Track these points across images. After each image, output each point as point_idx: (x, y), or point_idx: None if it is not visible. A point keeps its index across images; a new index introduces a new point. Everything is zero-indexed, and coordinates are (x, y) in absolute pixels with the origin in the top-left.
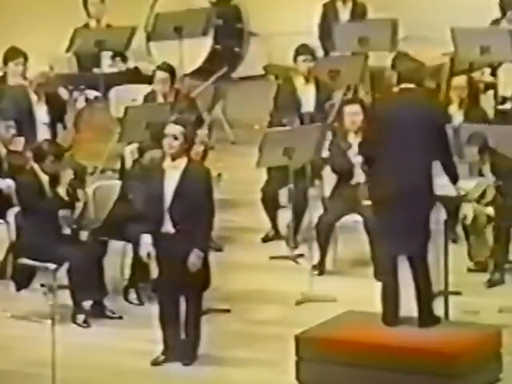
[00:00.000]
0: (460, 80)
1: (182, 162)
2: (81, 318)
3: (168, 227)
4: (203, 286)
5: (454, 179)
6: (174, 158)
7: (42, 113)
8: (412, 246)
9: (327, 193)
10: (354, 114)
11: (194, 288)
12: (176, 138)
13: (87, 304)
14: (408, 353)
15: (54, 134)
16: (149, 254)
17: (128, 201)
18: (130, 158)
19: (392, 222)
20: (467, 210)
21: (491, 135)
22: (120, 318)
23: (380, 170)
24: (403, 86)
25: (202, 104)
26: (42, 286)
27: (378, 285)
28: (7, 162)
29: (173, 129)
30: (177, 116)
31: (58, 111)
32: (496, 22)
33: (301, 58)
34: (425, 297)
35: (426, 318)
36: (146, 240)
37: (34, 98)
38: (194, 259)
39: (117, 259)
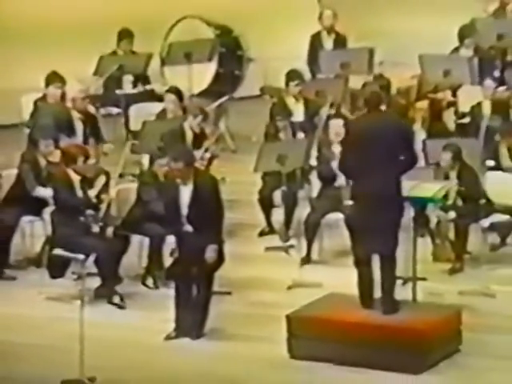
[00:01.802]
0: (423, 103)
1: (190, 175)
2: (116, 299)
3: (188, 227)
4: (215, 269)
5: None
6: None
7: (79, 128)
8: (384, 247)
9: (314, 194)
10: (337, 128)
11: (207, 275)
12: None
13: (119, 288)
14: (382, 330)
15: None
16: (173, 251)
17: (144, 202)
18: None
19: (368, 225)
20: (431, 216)
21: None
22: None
23: (358, 180)
24: (378, 107)
25: (208, 119)
26: (73, 273)
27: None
28: (46, 171)
29: (176, 165)
30: (176, 155)
31: (91, 126)
32: (456, 49)
33: (291, 83)
34: (389, 288)
35: (389, 305)
36: (170, 240)
37: (74, 114)
38: (210, 253)
39: (135, 251)
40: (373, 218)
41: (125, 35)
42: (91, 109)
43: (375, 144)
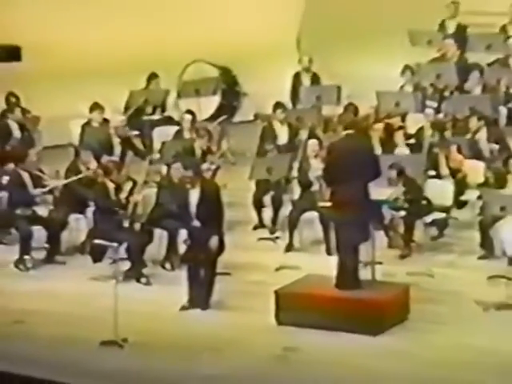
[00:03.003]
0: (379, 126)
1: (197, 182)
2: (142, 279)
3: (196, 223)
4: (218, 254)
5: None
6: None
7: (117, 147)
8: (360, 238)
9: (295, 197)
10: (313, 146)
11: (211, 260)
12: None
13: (144, 270)
14: (349, 302)
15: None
16: (185, 241)
17: (162, 203)
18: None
19: (346, 221)
20: (386, 215)
21: (404, 160)
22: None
23: (336, 187)
24: (347, 131)
25: (213, 139)
26: (109, 258)
27: (328, 258)
28: (86, 178)
29: (186, 174)
30: (187, 165)
31: (129, 146)
32: (402, 86)
33: (277, 111)
34: (354, 269)
35: (354, 282)
36: (183, 233)
37: (115, 139)
38: (213, 242)
39: (156, 241)
40: (349, 215)
41: (153, 77)
42: (128, 132)
43: (350, 161)
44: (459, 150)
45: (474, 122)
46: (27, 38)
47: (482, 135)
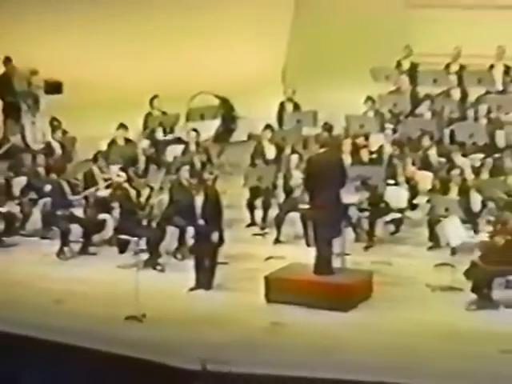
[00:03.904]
0: (348, 144)
1: (201, 188)
2: (158, 266)
3: (201, 221)
4: (218, 247)
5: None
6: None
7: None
8: (334, 234)
9: (281, 200)
10: (295, 160)
11: (213, 251)
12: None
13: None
14: (324, 284)
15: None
16: (192, 236)
17: (173, 205)
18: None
19: (323, 221)
20: (353, 215)
21: (368, 171)
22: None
23: (315, 194)
24: (322, 148)
25: (214, 154)
26: (132, 250)
27: (308, 249)
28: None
29: (191, 181)
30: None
31: (152, 160)
32: (365, 112)
33: (266, 132)
34: (328, 259)
35: (328, 269)
36: (190, 230)
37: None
38: (215, 237)
39: (169, 236)
40: (324, 216)
41: (155, 97)
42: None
43: (325, 172)
44: (413, 163)
45: (426, 141)
46: (67, 75)
47: (432, 151)
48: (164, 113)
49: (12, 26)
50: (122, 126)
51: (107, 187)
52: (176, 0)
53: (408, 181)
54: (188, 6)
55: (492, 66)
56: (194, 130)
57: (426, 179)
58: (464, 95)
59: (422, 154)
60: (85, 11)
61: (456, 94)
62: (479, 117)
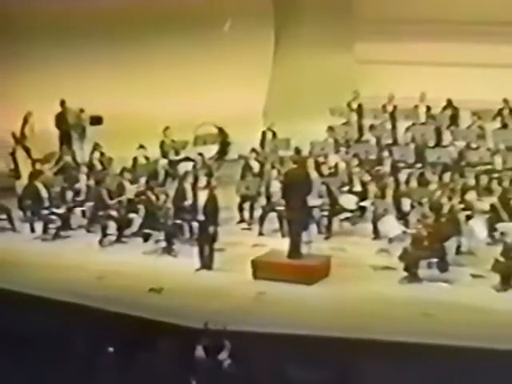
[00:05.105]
0: (311, 162)
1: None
2: (174, 253)
3: (202, 217)
4: (215, 238)
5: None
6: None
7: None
8: (303, 228)
9: (263, 203)
10: (274, 174)
11: (212, 241)
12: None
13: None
14: (295, 266)
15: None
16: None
17: (182, 208)
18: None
19: (296, 218)
20: (317, 214)
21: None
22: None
23: (289, 199)
24: (294, 165)
25: (214, 169)
26: (154, 240)
27: (283, 240)
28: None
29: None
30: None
31: (169, 174)
32: (326, 139)
33: (252, 153)
34: (298, 246)
35: (298, 254)
36: (195, 224)
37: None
38: (212, 230)
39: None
40: (295, 215)
41: (166, 128)
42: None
43: (296, 182)
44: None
45: (370, 160)
46: (106, 112)
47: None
48: (173, 140)
49: (64, 77)
50: (142, 146)
51: (136, 195)
52: (180, 55)
53: (362, 187)
54: (190, 59)
55: (416, 106)
56: (200, 154)
57: (371, 188)
58: (394, 126)
59: (369, 168)
60: (116, 65)
61: (388, 125)
62: (408, 142)
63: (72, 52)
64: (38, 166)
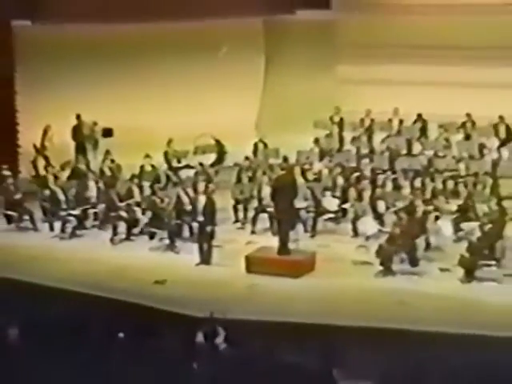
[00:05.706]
0: (298, 169)
1: (203, 198)
2: (177, 249)
3: (201, 218)
4: (212, 236)
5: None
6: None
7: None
8: (291, 227)
9: (255, 205)
10: (265, 179)
11: (210, 238)
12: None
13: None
14: (284, 261)
15: (167, 185)
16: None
17: (183, 209)
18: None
19: (284, 218)
20: (303, 215)
21: (312, 185)
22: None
23: (278, 201)
24: (282, 172)
25: (212, 175)
26: (158, 238)
27: (273, 238)
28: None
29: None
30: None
31: (171, 179)
32: (312, 148)
33: (246, 161)
34: (286, 243)
35: (287, 251)
36: (195, 224)
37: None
38: (210, 229)
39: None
40: (284, 215)
41: (170, 141)
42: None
43: (284, 187)
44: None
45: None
46: (116, 124)
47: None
48: (175, 150)
49: (79, 95)
50: (147, 156)
51: (142, 198)
52: (182, 78)
53: (343, 191)
54: (191, 81)
55: (390, 120)
56: (201, 163)
57: (350, 193)
58: (370, 137)
59: (349, 175)
60: (125, 85)
61: (364, 137)
62: (384, 151)
63: (87, 73)
64: (50, 171)
